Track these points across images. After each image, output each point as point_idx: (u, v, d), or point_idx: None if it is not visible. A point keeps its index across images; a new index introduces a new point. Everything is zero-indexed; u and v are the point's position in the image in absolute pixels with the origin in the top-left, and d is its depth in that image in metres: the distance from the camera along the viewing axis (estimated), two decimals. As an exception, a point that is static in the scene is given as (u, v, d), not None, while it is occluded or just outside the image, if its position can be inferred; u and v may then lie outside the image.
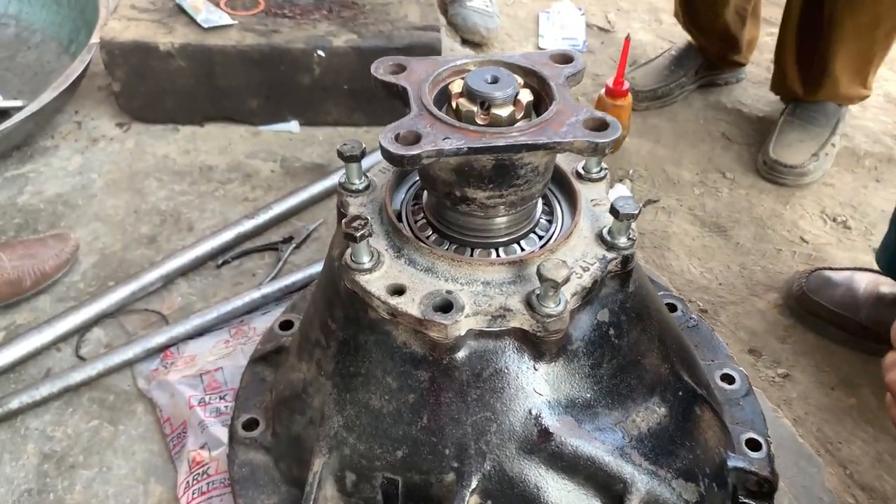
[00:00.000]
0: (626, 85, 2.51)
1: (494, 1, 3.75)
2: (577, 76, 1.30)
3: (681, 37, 3.45)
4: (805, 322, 2.38)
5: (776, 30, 3.03)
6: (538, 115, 1.23)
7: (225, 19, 2.73)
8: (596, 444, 1.29)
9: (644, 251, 2.63)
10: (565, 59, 1.32)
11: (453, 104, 1.24)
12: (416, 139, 1.16)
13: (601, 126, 1.17)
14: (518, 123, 1.21)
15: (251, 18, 2.77)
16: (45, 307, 2.19)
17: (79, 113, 2.89)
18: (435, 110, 1.21)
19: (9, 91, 2.91)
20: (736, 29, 3.18)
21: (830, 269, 2.41)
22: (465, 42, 3.57)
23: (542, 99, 1.26)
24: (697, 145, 3.12)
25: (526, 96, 1.24)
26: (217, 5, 2.80)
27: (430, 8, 2.87)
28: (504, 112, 1.20)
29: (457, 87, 1.26)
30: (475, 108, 1.21)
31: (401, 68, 1.30)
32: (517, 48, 3.67)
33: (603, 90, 2.52)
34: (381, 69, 1.30)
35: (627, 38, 2.46)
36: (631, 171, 2.96)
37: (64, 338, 2.08)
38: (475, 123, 1.21)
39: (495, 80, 1.23)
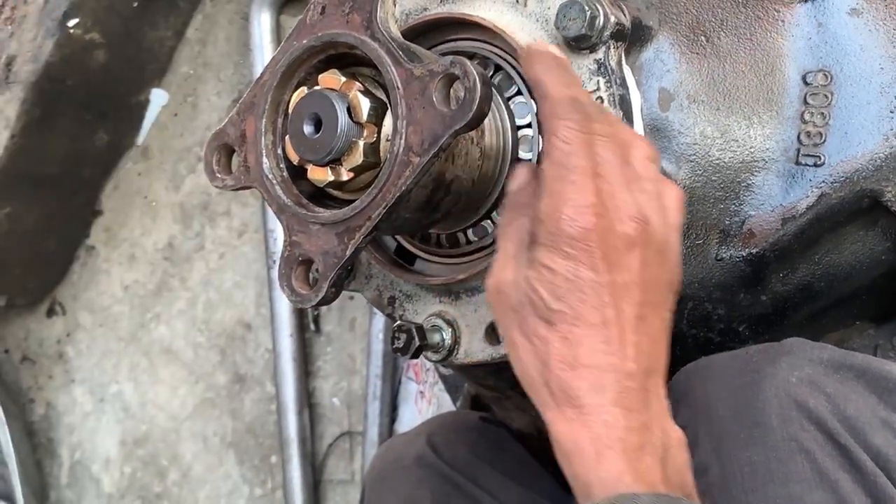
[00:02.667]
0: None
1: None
2: None
3: None
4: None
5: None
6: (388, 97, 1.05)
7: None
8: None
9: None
10: None
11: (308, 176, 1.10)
12: (307, 274, 1.08)
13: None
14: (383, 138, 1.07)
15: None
16: None
17: None
18: (299, 211, 1.08)
19: None
20: None
21: None
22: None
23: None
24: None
25: (364, 102, 1.05)
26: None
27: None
28: (354, 160, 1.06)
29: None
30: (328, 172, 1.07)
31: (230, 152, 1.15)
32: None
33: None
34: (218, 175, 1.14)
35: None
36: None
37: None
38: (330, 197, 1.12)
39: (318, 123, 1.06)
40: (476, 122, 0.97)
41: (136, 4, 2.33)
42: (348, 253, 1.05)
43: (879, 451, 1.00)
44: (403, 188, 1.01)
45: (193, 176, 2.47)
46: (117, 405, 2.59)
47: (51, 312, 2.69)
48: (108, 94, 2.43)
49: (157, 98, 2.50)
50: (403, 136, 1.01)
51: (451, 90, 0.99)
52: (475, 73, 0.95)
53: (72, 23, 2.23)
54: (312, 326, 2.25)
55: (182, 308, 2.49)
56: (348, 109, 1.05)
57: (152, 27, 2.41)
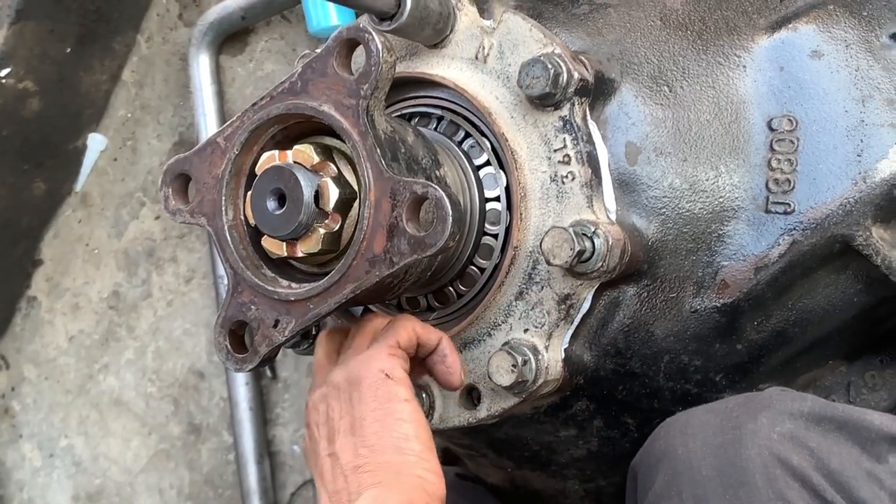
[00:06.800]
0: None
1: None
2: (378, 74, 0.98)
3: None
4: None
5: None
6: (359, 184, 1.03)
7: None
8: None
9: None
10: (351, 46, 1.02)
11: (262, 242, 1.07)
12: (244, 336, 1.06)
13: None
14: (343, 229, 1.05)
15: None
16: None
17: None
18: (248, 275, 1.05)
19: None
20: None
21: None
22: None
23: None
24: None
25: (333, 191, 1.02)
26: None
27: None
28: (311, 246, 1.03)
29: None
30: (283, 247, 1.05)
31: (185, 180, 1.11)
32: None
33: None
34: (171, 201, 1.11)
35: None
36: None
37: None
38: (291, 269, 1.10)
39: (281, 198, 1.02)
40: (442, 253, 0.95)
41: (69, 50, 2.26)
42: (286, 336, 1.03)
43: None
44: (357, 292, 0.99)
45: (137, 222, 2.40)
46: (68, 460, 2.51)
47: (-7, 366, 2.61)
48: (44, 141, 2.35)
49: (95, 143, 2.43)
50: (367, 242, 0.98)
51: (422, 209, 0.98)
52: (449, 208, 0.93)
53: (4, 72, 2.16)
54: (269, 373, 2.20)
55: (131, 358, 2.42)
56: (316, 194, 1.01)
57: (87, 71, 2.35)
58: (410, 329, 1.06)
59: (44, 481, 2.54)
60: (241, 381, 2.15)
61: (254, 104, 1.07)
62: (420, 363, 1.11)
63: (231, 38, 2.24)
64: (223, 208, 1.07)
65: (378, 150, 0.98)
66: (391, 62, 0.99)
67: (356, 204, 1.04)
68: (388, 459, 0.99)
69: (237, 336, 1.07)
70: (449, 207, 0.93)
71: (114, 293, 2.44)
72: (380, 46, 0.98)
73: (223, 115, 2.21)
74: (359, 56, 1.02)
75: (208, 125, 2.18)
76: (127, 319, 2.42)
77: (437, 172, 1.10)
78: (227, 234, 1.07)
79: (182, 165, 1.10)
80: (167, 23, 2.36)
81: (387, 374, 1.02)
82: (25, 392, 2.56)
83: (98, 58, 2.36)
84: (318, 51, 1.03)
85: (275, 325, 1.04)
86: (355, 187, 1.04)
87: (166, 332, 2.37)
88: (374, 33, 0.98)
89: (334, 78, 1.01)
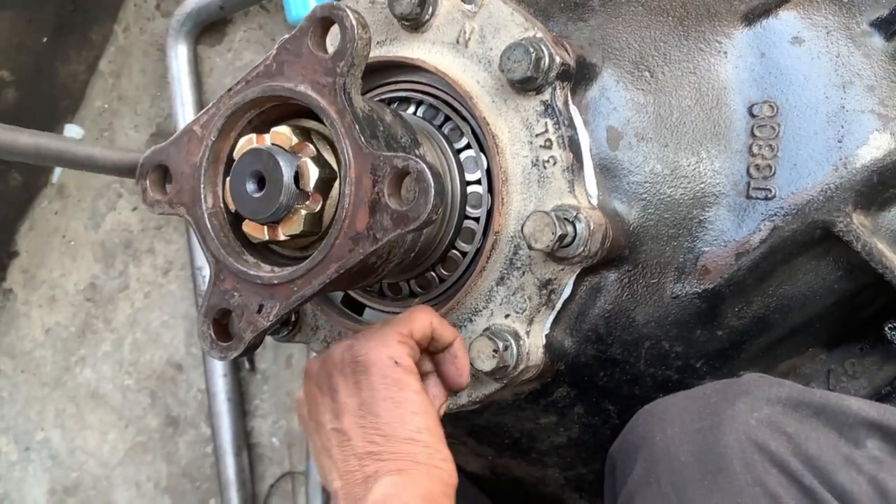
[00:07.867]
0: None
1: None
2: (353, 51, 0.97)
3: None
4: None
5: None
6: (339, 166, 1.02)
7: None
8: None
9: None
10: (325, 25, 1.01)
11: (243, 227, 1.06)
12: (227, 324, 1.05)
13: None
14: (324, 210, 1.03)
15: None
16: None
17: None
18: (230, 262, 1.03)
19: None
20: None
21: None
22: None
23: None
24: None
25: (312, 171, 1.01)
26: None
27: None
28: (293, 228, 1.02)
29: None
30: (264, 231, 1.04)
31: (163, 171, 1.09)
32: None
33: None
34: (150, 193, 1.09)
35: None
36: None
37: None
38: (272, 254, 1.09)
39: (260, 181, 1.01)
40: (426, 226, 0.94)
41: (46, 40, 2.24)
42: (271, 320, 1.01)
43: (844, 490, 1.00)
44: (342, 271, 0.98)
45: (114, 213, 2.39)
46: (44, 453, 2.49)
47: (-32, 360, 2.59)
48: (20, 132, 2.34)
49: (72, 134, 2.42)
50: (349, 219, 0.97)
51: (403, 185, 0.96)
52: (431, 181, 0.92)
53: (-21, 62, 2.15)
54: (247, 365, 2.20)
55: (108, 350, 2.41)
56: (295, 175, 1.00)
57: (64, 62, 2.33)
58: (427, 321, 1.06)
59: (20, 475, 2.52)
60: (219, 372, 2.13)
61: (229, 90, 1.05)
62: (428, 357, 1.10)
63: (209, 28, 2.23)
64: (202, 196, 1.06)
65: (357, 127, 0.97)
66: (366, 38, 0.99)
67: (336, 184, 1.03)
68: (405, 449, 0.99)
69: (221, 324, 1.06)
70: (431, 179, 0.92)
71: (91, 285, 2.42)
72: (354, 23, 0.97)
73: (201, 106, 2.20)
74: (334, 37, 1.01)
75: (186, 116, 2.17)
76: (104, 311, 2.41)
77: (416, 151, 1.10)
78: (208, 222, 1.06)
79: (159, 156, 1.09)
80: (144, 13, 2.34)
81: (396, 362, 1.01)
82: (1, 385, 2.54)
83: (75, 48, 2.34)
84: (293, 32, 1.02)
85: (259, 311, 1.02)
86: (335, 167, 1.03)
87: (144, 324, 2.36)
88: (348, 10, 0.98)
89: (310, 58, 1.00)
